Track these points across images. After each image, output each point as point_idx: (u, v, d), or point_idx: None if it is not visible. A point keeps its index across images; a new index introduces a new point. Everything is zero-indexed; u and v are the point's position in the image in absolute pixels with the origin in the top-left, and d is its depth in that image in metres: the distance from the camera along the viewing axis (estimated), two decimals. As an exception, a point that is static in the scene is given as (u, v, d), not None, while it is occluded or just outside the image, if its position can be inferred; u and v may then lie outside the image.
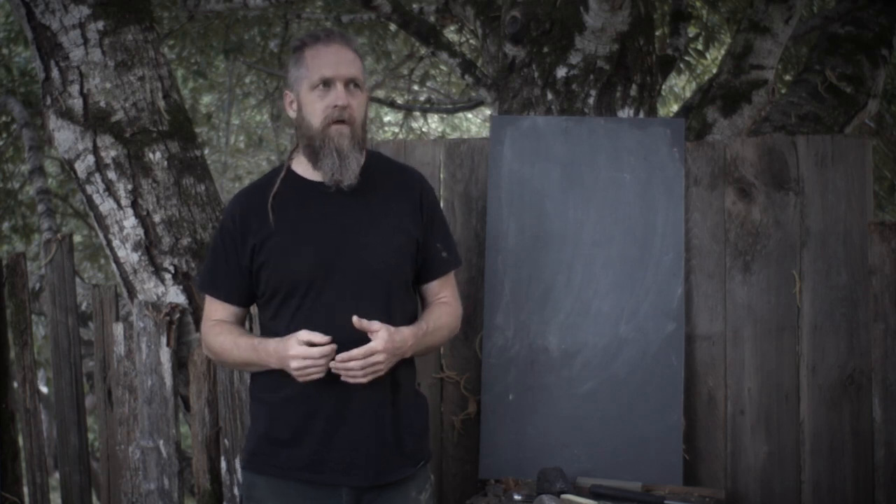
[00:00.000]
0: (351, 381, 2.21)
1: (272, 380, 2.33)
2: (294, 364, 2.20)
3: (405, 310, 2.36)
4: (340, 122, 2.28)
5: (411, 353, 2.30)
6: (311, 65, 2.30)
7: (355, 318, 2.19)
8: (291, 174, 2.39)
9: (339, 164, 2.28)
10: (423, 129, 8.88)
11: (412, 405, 2.38)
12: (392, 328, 2.22)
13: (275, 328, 2.34)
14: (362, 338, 2.21)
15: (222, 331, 2.38)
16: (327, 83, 2.29)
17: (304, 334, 2.20)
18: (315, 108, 2.30)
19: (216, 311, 2.42)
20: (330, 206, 2.33)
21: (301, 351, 2.19)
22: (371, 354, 2.19)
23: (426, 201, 2.40)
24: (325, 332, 2.22)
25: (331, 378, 2.22)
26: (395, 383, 2.32)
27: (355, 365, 2.19)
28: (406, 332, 2.26)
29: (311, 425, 2.30)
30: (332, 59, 2.29)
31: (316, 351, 2.19)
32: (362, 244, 2.31)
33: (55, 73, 3.11)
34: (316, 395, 2.26)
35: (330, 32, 2.35)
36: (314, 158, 2.32)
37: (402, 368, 2.33)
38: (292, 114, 2.36)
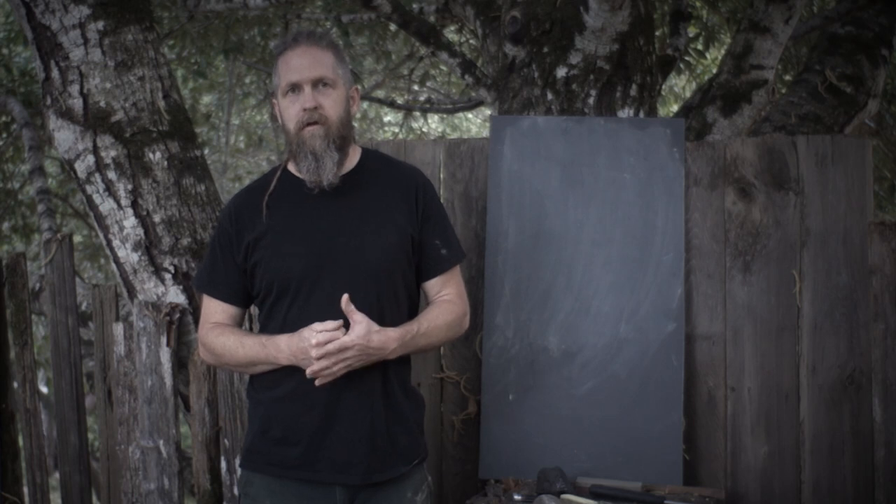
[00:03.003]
0: (326, 379, 2.21)
1: (267, 379, 2.33)
2: (315, 353, 2.19)
3: (400, 308, 2.35)
4: (313, 123, 2.30)
5: (397, 354, 2.29)
6: (281, 71, 2.34)
7: (345, 299, 2.19)
8: (287, 174, 2.41)
9: (315, 165, 2.30)
10: (423, 129, 8.89)
11: (406, 403, 2.37)
12: (375, 326, 2.22)
13: (269, 327, 2.35)
14: None
15: (223, 332, 2.39)
16: (295, 88, 2.31)
17: (318, 325, 2.20)
18: (289, 113, 2.33)
19: (214, 312, 2.43)
20: (324, 205, 2.34)
21: (323, 337, 2.18)
22: (343, 349, 2.19)
23: (422, 197, 2.40)
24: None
25: None
26: (386, 382, 2.32)
27: (327, 363, 2.19)
28: (391, 334, 2.25)
29: (303, 424, 2.30)
30: (297, 63, 2.31)
31: (331, 327, 2.19)
32: (356, 242, 2.31)
33: (55, 73, 3.11)
34: (308, 394, 2.26)
35: (298, 35, 2.36)
36: (295, 162, 2.35)
37: (395, 366, 2.33)
38: (279, 120, 2.39)
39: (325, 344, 2.18)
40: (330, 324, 2.20)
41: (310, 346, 2.19)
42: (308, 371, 2.21)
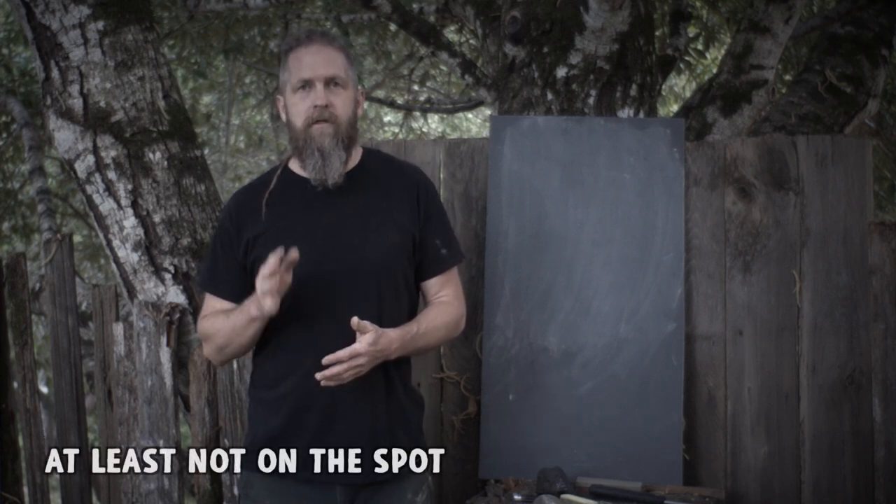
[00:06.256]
0: (335, 383, 2.20)
1: (268, 378, 2.33)
2: (259, 285, 2.16)
3: (400, 307, 2.35)
4: (322, 121, 2.30)
5: (398, 354, 2.28)
6: (292, 68, 2.33)
7: (354, 319, 2.19)
8: (288, 172, 2.41)
9: (322, 163, 2.30)
10: (423, 129, 8.89)
11: (406, 403, 2.37)
12: (379, 330, 2.21)
13: (270, 323, 2.34)
14: (353, 334, 2.20)
15: (211, 316, 2.39)
16: (307, 84, 2.30)
17: (273, 256, 2.14)
18: (298, 109, 2.32)
19: (212, 308, 2.43)
20: (325, 203, 2.34)
21: (261, 277, 2.14)
22: (355, 356, 2.19)
23: (424, 197, 2.40)
24: (318, 329, 2.23)
25: None
26: (388, 381, 2.32)
27: (340, 369, 2.18)
28: (392, 335, 2.25)
29: (304, 423, 2.30)
30: (310, 60, 2.31)
31: (273, 263, 2.13)
32: (357, 241, 2.31)
33: (55, 73, 3.11)
34: (309, 393, 2.26)
35: (311, 33, 2.36)
36: (300, 159, 2.34)
37: (396, 366, 2.33)
38: (284, 118, 2.38)
39: (271, 273, 2.13)
40: (276, 254, 2.14)
41: (261, 278, 2.15)
42: (318, 375, 2.20)
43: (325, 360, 2.18)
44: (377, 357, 2.23)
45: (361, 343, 2.19)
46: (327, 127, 2.30)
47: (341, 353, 2.18)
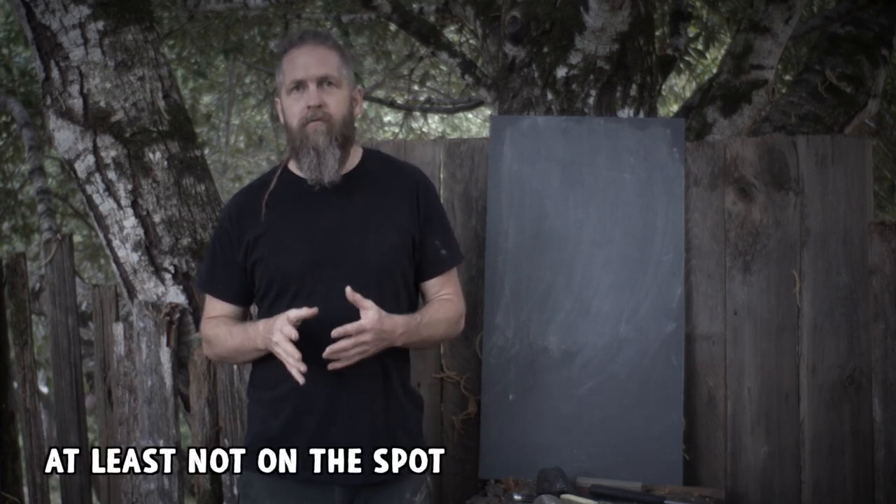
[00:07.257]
0: (342, 363, 2.20)
1: (268, 378, 2.34)
2: (274, 338, 2.19)
3: (400, 307, 2.35)
4: (316, 120, 2.30)
5: (402, 341, 2.28)
6: (286, 69, 2.34)
7: (348, 290, 2.17)
8: (287, 173, 2.41)
9: (317, 160, 2.30)
10: (423, 129, 8.89)
11: (406, 403, 2.38)
12: (384, 312, 2.21)
13: None
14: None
15: (218, 323, 2.41)
16: (300, 85, 2.31)
17: (293, 312, 2.18)
18: (293, 110, 2.33)
19: (214, 309, 2.44)
20: (324, 204, 2.34)
21: (281, 338, 2.17)
22: (360, 332, 2.18)
23: (423, 198, 2.40)
24: (318, 328, 2.21)
25: (322, 377, 2.22)
26: (387, 381, 2.32)
27: (347, 343, 2.18)
28: (398, 320, 2.25)
29: (304, 424, 2.30)
30: (302, 61, 2.32)
31: (293, 349, 2.16)
32: (356, 241, 2.32)
33: (55, 73, 3.11)
34: (308, 393, 2.25)
35: (304, 34, 2.37)
36: (297, 159, 2.35)
37: (396, 366, 2.34)
38: (282, 119, 2.39)
39: (289, 336, 2.15)
40: (305, 311, 2.18)
41: (278, 329, 2.17)
42: (326, 352, 2.18)
43: (334, 332, 2.17)
44: (382, 338, 2.22)
45: (367, 319, 2.18)
46: (321, 125, 2.30)
47: (349, 327, 2.17)
